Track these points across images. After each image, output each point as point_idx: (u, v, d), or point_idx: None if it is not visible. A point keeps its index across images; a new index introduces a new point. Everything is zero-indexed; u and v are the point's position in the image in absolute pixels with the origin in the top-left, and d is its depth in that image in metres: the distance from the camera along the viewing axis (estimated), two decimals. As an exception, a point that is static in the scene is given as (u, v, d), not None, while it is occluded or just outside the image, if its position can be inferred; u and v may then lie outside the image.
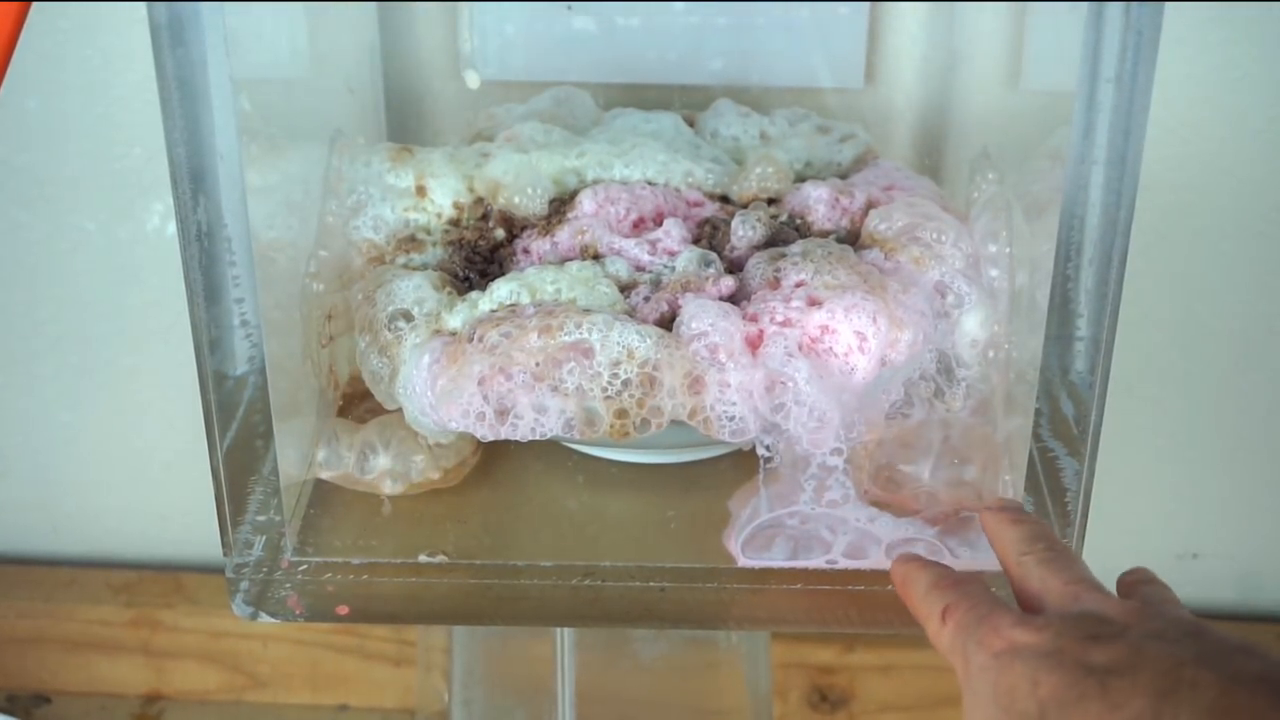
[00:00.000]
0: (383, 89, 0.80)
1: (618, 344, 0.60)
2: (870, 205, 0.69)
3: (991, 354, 0.65)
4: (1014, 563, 0.56)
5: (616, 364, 0.60)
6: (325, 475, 0.66)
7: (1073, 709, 0.48)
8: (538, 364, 0.60)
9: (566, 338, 0.60)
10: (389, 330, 0.63)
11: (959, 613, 0.54)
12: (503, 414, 0.60)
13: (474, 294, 0.64)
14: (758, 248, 0.67)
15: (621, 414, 0.60)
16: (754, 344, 0.61)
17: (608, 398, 0.60)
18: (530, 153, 0.71)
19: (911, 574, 0.58)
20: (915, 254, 0.65)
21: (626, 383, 0.60)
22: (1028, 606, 0.55)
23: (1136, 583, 0.57)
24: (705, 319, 0.60)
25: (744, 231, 0.67)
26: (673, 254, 0.66)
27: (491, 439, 0.61)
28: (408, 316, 0.63)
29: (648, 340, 0.60)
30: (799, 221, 0.68)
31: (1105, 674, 0.48)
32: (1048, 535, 0.57)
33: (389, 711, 1.02)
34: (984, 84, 0.77)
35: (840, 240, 0.68)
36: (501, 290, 0.63)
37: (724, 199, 0.72)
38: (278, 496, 0.64)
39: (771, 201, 0.70)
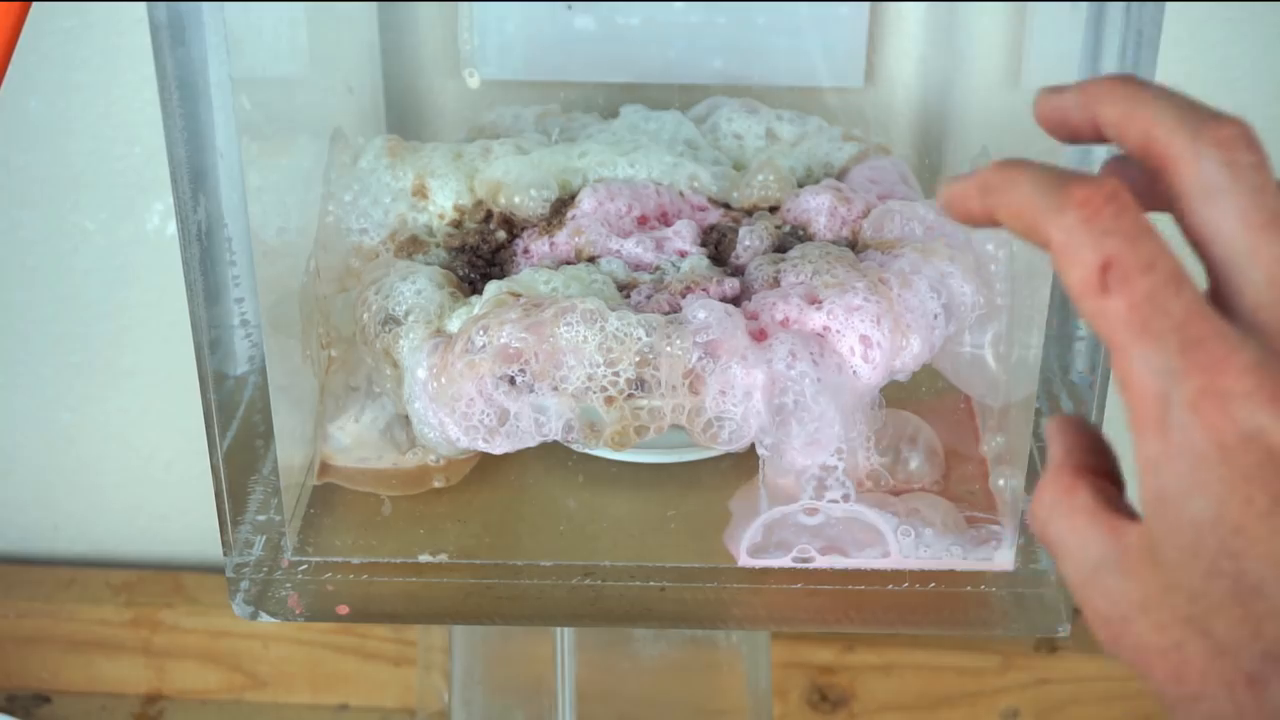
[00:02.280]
0: (383, 88, 0.80)
1: (614, 331, 0.60)
2: (868, 211, 0.69)
3: (991, 354, 0.65)
4: (1187, 157, 0.36)
5: (611, 350, 0.60)
6: (340, 461, 0.66)
7: None
8: (527, 359, 0.60)
9: (562, 328, 0.60)
10: (386, 333, 0.63)
11: (1139, 299, 0.35)
12: (502, 416, 0.60)
13: (474, 298, 0.64)
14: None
15: (611, 401, 0.60)
16: (756, 339, 0.61)
17: (603, 390, 0.60)
18: (532, 153, 0.71)
19: (994, 175, 0.38)
20: (913, 257, 0.65)
21: (621, 372, 0.60)
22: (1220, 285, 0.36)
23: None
24: (707, 316, 0.60)
25: (750, 241, 0.67)
26: (683, 254, 0.66)
27: (485, 447, 0.61)
28: (403, 318, 0.63)
29: (645, 327, 0.60)
30: (802, 233, 0.69)
31: None
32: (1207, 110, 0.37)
33: (389, 711, 1.02)
34: (984, 84, 0.77)
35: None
36: (492, 292, 0.63)
37: (725, 205, 0.72)
38: (278, 496, 0.64)
39: (773, 209, 0.70)
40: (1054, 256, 0.36)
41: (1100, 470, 0.40)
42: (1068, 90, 0.40)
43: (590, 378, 0.60)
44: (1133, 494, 0.39)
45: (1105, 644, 0.38)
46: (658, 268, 0.66)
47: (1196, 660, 0.36)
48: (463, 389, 0.60)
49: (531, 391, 0.60)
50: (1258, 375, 0.34)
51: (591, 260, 0.66)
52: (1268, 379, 0.34)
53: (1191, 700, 0.36)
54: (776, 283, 0.64)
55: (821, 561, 0.64)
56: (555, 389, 0.60)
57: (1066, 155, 0.57)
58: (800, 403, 0.60)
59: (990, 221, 0.39)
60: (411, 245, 0.68)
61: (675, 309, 0.63)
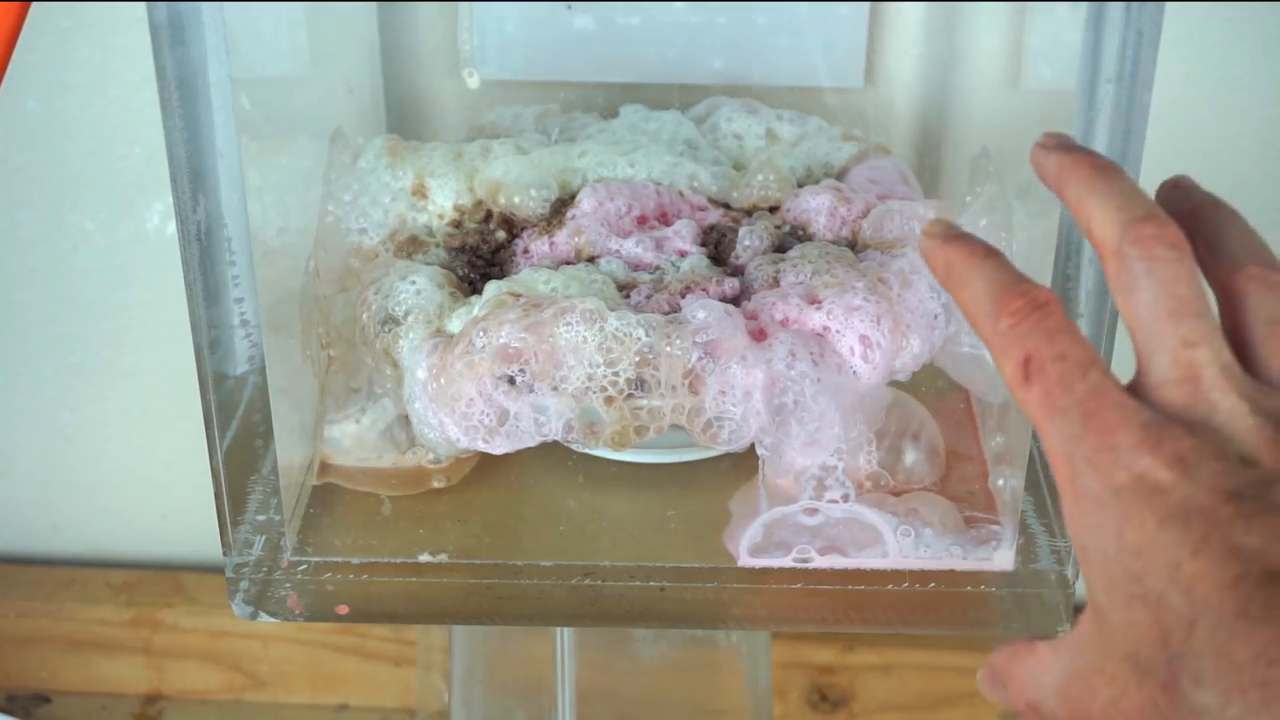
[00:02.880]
0: (382, 88, 0.80)
1: (614, 331, 0.60)
2: (868, 211, 0.69)
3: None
4: (1111, 249, 0.43)
5: (611, 350, 0.60)
6: (339, 460, 0.66)
7: (1235, 625, 0.38)
8: (527, 359, 0.60)
9: (562, 328, 0.60)
10: (385, 333, 0.63)
11: (1051, 384, 0.42)
12: (501, 416, 0.60)
13: (474, 298, 0.64)
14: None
15: (610, 401, 0.60)
16: (756, 339, 0.61)
17: (603, 390, 0.60)
18: (531, 153, 0.71)
19: (958, 263, 0.46)
20: (914, 257, 0.65)
21: (620, 372, 0.60)
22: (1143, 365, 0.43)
23: (1206, 214, 0.46)
24: (706, 316, 0.60)
25: (750, 241, 0.67)
26: (683, 254, 0.66)
27: (485, 447, 0.61)
28: (403, 318, 0.63)
29: (644, 327, 0.60)
30: (801, 233, 0.69)
31: (1268, 580, 0.38)
32: (1149, 201, 0.44)
33: (389, 711, 1.02)
34: (984, 84, 0.77)
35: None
36: (491, 292, 0.63)
37: (724, 205, 0.72)
38: (277, 496, 0.64)
39: (773, 209, 0.70)
40: (991, 353, 0.44)
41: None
42: (1050, 156, 0.47)
43: (590, 378, 0.60)
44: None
45: None
46: (657, 268, 0.66)
47: (1133, 694, 0.40)
48: (462, 389, 0.60)
49: (531, 391, 0.60)
50: (1143, 432, 0.41)
51: (591, 260, 0.66)
52: (1151, 434, 0.40)
53: None
54: (776, 283, 0.64)
55: (821, 561, 0.64)
56: (555, 389, 0.60)
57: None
58: (800, 403, 0.60)
59: (946, 286, 0.47)
60: (411, 245, 0.68)
61: (675, 309, 0.63)
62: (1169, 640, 0.39)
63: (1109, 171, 0.45)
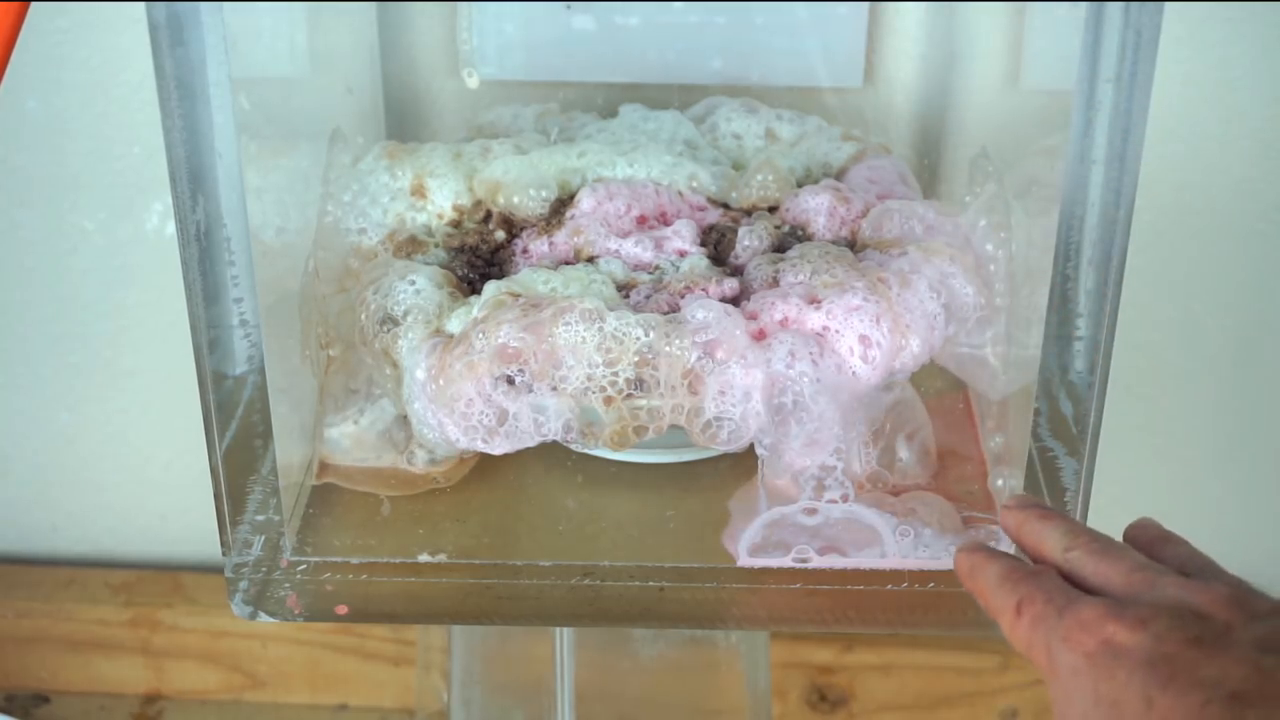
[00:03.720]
0: (382, 88, 0.80)
1: (613, 331, 0.60)
2: (867, 211, 0.69)
3: (992, 354, 0.65)
4: (1059, 560, 0.53)
5: (610, 350, 0.60)
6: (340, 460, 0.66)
7: None
8: (526, 359, 0.60)
9: (561, 327, 0.60)
10: (385, 333, 0.63)
11: (1036, 606, 0.51)
12: (501, 417, 0.60)
13: (473, 298, 0.64)
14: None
15: (609, 401, 0.60)
16: (755, 339, 0.61)
17: (602, 390, 0.60)
18: (531, 152, 0.71)
19: (979, 564, 0.55)
20: (913, 257, 0.65)
21: (620, 372, 0.60)
22: None
23: (1156, 540, 0.54)
24: (706, 315, 0.60)
25: (750, 241, 0.67)
26: (682, 254, 0.66)
27: (485, 447, 0.61)
28: (402, 318, 0.63)
29: (643, 327, 0.60)
30: (801, 233, 0.69)
31: (1232, 701, 0.45)
32: (1084, 528, 0.55)
33: (388, 711, 1.02)
34: (984, 84, 0.77)
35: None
36: (491, 292, 0.63)
37: (724, 205, 0.71)
38: (277, 496, 0.64)
39: (772, 209, 0.70)
40: (996, 617, 0.53)
41: None
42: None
43: (589, 378, 0.60)
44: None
45: None
46: (657, 267, 0.66)
47: None
48: (462, 389, 0.60)
49: (530, 392, 0.60)
50: (1105, 607, 0.49)
51: (590, 260, 0.66)
52: (1112, 608, 0.49)
53: None
54: (776, 283, 0.64)
55: (820, 561, 0.64)
56: (554, 389, 0.60)
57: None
58: (799, 403, 0.60)
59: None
60: (410, 245, 0.68)
61: (674, 309, 0.63)
62: None
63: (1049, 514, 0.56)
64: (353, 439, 0.66)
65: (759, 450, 0.62)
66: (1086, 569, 0.52)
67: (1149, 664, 0.46)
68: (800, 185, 0.71)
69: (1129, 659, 0.47)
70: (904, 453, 0.65)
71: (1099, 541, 0.53)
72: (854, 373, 0.61)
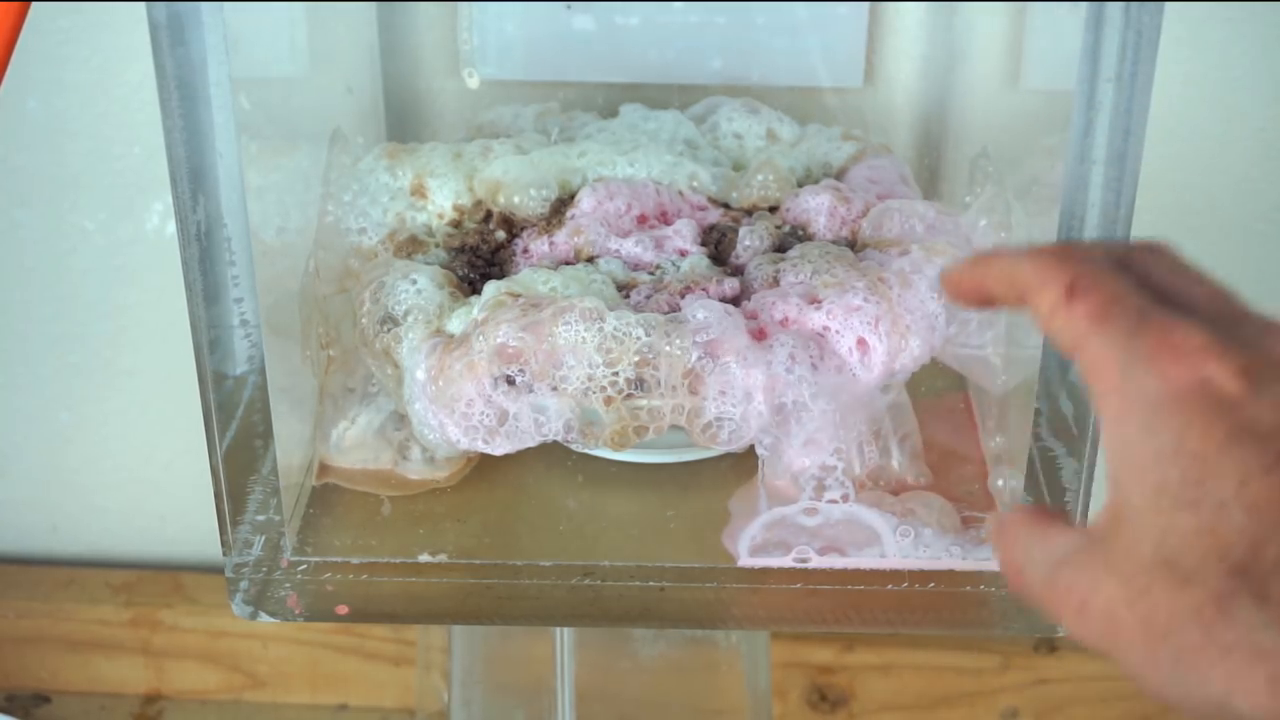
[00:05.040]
0: (382, 88, 0.80)
1: (613, 331, 0.60)
2: (868, 211, 0.69)
3: (993, 354, 0.65)
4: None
5: (610, 350, 0.60)
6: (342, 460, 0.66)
7: None
8: (526, 359, 0.60)
9: (561, 327, 0.60)
10: (385, 333, 0.63)
11: (1100, 293, 0.40)
12: (501, 417, 0.60)
13: (474, 298, 0.64)
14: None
15: (610, 401, 0.60)
16: (755, 339, 0.61)
17: (602, 390, 0.60)
18: (531, 152, 0.71)
19: (984, 257, 0.44)
20: (914, 257, 0.65)
21: (620, 372, 0.60)
22: None
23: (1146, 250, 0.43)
24: (706, 315, 0.60)
25: (750, 241, 0.67)
26: (683, 253, 0.66)
27: (485, 448, 0.61)
28: (403, 318, 0.63)
29: (644, 327, 0.60)
30: (801, 233, 0.69)
31: None
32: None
33: (389, 711, 1.02)
34: (984, 84, 0.77)
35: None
36: (491, 293, 0.63)
37: (724, 204, 0.71)
38: (277, 496, 0.64)
39: (772, 209, 0.70)
40: (1028, 293, 0.42)
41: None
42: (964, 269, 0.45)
43: (589, 378, 0.60)
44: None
45: (1074, 629, 0.40)
46: (657, 267, 0.66)
47: (1164, 598, 0.38)
48: (462, 389, 0.60)
49: (531, 392, 0.60)
50: (1207, 337, 0.39)
51: (591, 260, 0.66)
52: (1216, 342, 0.38)
53: (1160, 640, 0.38)
54: (776, 282, 0.64)
55: (820, 561, 0.64)
56: (554, 389, 0.60)
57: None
58: (799, 403, 0.60)
59: (979, 292, 0.45)
60: (411, 245, 0.68)
61: (675, 309, 0.63)
62: (1229, 552, 0.37)
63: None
64: (353, 439, 0.66)
65: (759, 450, 0.62)
66: (1149, 264, 0.41)
67: (1254, 435, 0.37)
68: (800, 185, 0.71)
69: (1230, 418, 0.38)
70: (895, 456, 0.65)
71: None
72: (854, 373, 0.61)
